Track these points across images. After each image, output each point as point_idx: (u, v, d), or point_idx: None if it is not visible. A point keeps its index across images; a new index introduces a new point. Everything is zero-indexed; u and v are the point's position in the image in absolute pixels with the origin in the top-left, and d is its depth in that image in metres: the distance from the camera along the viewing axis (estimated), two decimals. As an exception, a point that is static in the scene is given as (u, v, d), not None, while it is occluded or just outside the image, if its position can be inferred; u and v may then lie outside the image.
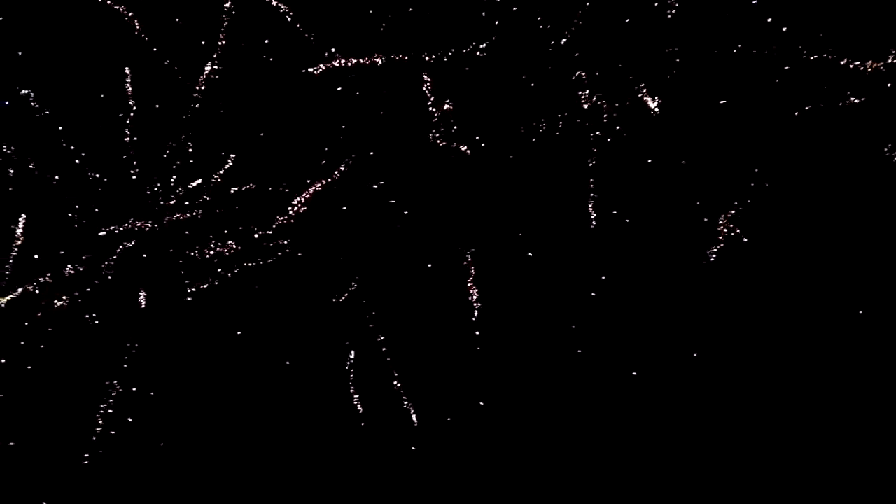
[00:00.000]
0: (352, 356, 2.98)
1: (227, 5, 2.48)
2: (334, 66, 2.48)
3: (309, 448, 3.04)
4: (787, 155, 2.80)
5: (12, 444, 2.76)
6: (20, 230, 2.58)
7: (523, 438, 3.13)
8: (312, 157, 2.72)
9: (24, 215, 2.55)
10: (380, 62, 2.46)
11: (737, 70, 2.70)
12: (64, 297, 2.70)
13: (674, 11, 2.59)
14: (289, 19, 2.51)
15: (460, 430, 3.08)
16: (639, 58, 2.62)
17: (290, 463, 3.01)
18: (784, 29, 2.60)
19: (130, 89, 2.60)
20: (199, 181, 2.68)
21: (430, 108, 2.54)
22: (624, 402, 3.11)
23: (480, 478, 3.12)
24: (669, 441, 3.13)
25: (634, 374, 3.05)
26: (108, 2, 2.40)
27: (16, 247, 2.61)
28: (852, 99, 2.61)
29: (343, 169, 2.65)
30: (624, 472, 3.17)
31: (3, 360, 2.73)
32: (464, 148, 2.54)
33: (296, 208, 2.68)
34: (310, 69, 2.49)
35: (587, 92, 2.52)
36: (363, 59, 2.51)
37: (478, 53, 2.49)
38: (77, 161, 2.61)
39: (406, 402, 2.95)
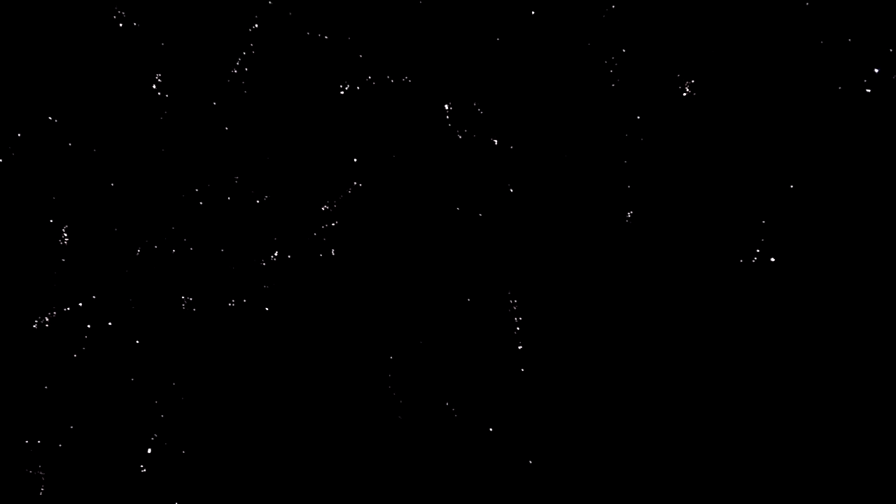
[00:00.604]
0: (391, 359, 3.00)
1: (252, 29, 2.47)
2: (363, 84, 2.47)
3: (346, 445, 3.08)
4: (835, 154, 2.71)
5: (72, 452, 2.84)
6: (65, 241, 2.62)
7: (568, 445, 3.12)
8: (338, 164, 2.73)
9: (66, 226, 2.58)
10: (407, 79, 2.44)
11: (784, 64, 2.61)
12: (105, 313, 2.75)
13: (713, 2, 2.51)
14: (308, 33, 2.49)
15: (501, 435, 3.08)
16: (671, 51, 2.55)
17: (328, 459, 3.05)
18: (826, 15, 2.50)
19: (164, 99, 2.61)
20: (235, 183, 2.70)
21: (455, 108, 2.51)
22: (659, 402, 3.07)
23: (521, 482, 3.12)
24: (728, 452, 3.08)
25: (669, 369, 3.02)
26: (135, 23, 2.40)
27: (60, 262, 2.66)
28: None
29: (370, 172, 2.65)
30: (679, 487, 3.13)
31: (52, 377, 2.80)
32: (493, 140, 2.51)
33: (327, 217, 2.68)
34: (339, 85, 2.48)
35: (618, 80, 2.47)
36: (387, 74, 2.49)
37: (501, 51, 2.45)
38: (112, 184, 2.63)
39: (447, 405, 2.96)
